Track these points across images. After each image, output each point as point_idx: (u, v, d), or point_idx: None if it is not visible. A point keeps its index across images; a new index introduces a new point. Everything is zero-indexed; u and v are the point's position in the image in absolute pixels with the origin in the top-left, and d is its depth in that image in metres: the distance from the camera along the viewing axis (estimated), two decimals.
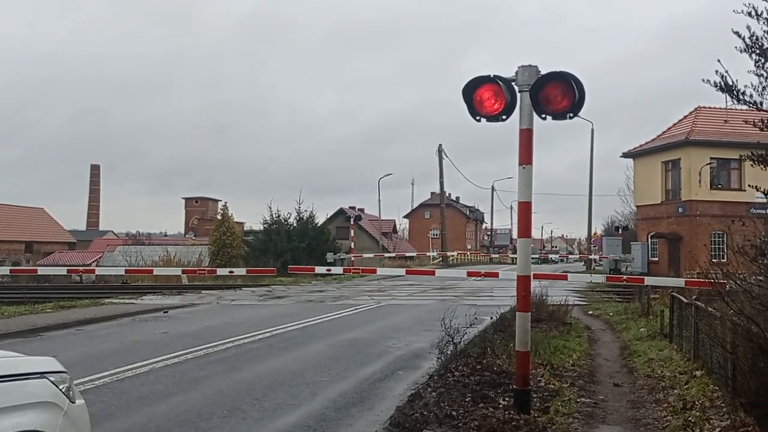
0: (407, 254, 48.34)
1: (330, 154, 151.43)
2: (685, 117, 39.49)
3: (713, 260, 35.79)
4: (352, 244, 38.39)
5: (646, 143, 40.17)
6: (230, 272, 20.14)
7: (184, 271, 18.54)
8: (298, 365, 8.76)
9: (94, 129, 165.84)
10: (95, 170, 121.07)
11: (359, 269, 20.56)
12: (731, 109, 38.48)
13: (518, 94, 6.05)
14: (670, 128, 39.80)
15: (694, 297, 8.78)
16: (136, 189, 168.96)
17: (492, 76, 5.97)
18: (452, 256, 51.90)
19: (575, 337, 11.85)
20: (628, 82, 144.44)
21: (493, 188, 68.10)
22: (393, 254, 46.27)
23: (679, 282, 15.18)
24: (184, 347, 9.99)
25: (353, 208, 64.01)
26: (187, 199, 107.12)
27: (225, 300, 19.03)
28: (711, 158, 35.60)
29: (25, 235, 67.97)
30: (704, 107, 39.40)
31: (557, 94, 5.82)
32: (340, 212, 54.48)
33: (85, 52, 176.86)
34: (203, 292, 22.37)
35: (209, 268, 22.56)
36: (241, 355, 9.45)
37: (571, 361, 9.24)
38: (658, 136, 39.99)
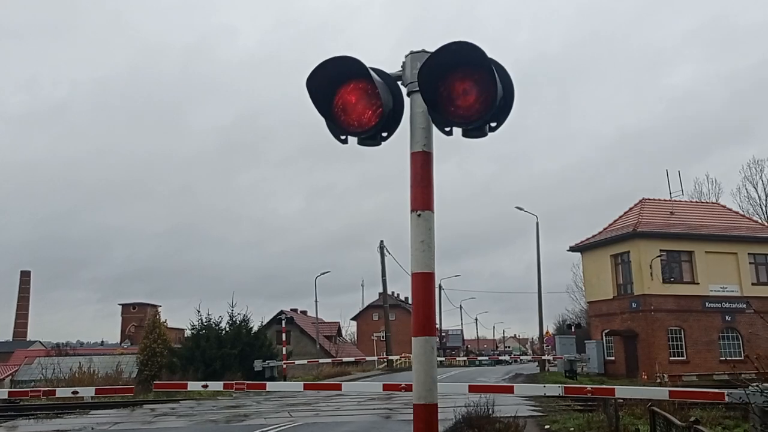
0: (346, 359, 44.77)
1: (292, 258, 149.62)
2: (630, 209, 38.56)
3: (672, 358, 33.75)
4: (284, 349, 35.00)
5: (593, 236, 38.86)
6: (74, 392, 16.80)
7: (10, 393, 15.16)
8: None
9: (58, 236, 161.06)
10: (25, 276, 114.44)
11: (244, 384, 17.38)
12: (675, 201, 37.94)
13: (406, 98, 3.69)
14: (617, 221, 38.71)
15: (692, 419, 6.21)
16: (88, 296, 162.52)
17: (365, 66, 3.58)
18: (397, 359, 48.53)
19: None
20: (580, 187, 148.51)
21: (440, 287, 65.72)
22: (329, 360, 42.66)
23: (661, 393, 12.62)
24: None
25: (295, 310, 60.50)
26: (124, 306, 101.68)
27: (105, 425, 15.54)
28: (660, 250, 34.27)
29: None
30: (649, 199, 38.67)
31: (467, 88, 3.46)
32: (279, 315, 50.99)
33: (61, 160, 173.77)
34: (94, 412, 18.77)
35: (46, 389, 19.11)
36: None
37: None
38: (605, 228, 38.79)
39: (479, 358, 67.83)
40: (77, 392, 16.74)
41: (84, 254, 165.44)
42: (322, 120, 3.79)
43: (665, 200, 38.04)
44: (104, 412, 18.91)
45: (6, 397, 21.30)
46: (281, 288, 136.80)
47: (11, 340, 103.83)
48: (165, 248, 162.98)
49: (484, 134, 3.58)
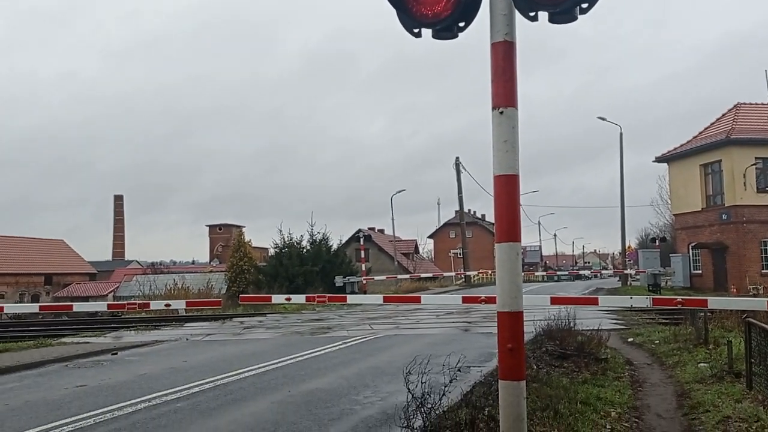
0: (424, 275, 45.26)
1: (371, 179, 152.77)
2: (723, 115, 36.05)
3: (764, 271, 32.24)
4: (363, 266, 35.64)
5: (682, 146, 36.80)
6: (167, 305, 17.67)
7: (109, 306, 16.11)
8: None
9: (153, 162, 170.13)
10: (119, 201, 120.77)
11: (325, 297, 17.71)
12: None
13: None
14: (708, 128, 36.38)
15: None
16: (181, 218, 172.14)
17: None
18: (474, 275, 48.64)
19: (613, 379, 8.88)
20: (675, 98, 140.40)
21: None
22: (407, 276, 43.24)
23: (759, 303, 11.98)
24: (79, 411, 7.39)
25: (372, 229, 61.35)
26: (211, 227, 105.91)
27: (198, 335, 16.40)
28: (756, 158, 32.14)
29: (44, 267, 66.54)
30: (745, 104, 35.98)
31: None
32: (358, 234, 51.85)
33: (157, 90, 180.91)
34: (188, 324, 19.86)
35: (140, 302, 20.15)
36: (142, 424, 6.75)
37: (608, 426, 6.32)
38: (695, 137, 36.60)
39: (558, 273, 67.19)
40: (170, 305, 17.69)
41: (177, 179, 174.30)
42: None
43: (763, 104, 35.36)
44: (197, 324, 19.95)
45: (106, 309, 22.78)
46: (360, 208, 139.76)
47: (111, 259, 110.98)
48: (252, 171, 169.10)
49: (574, 18, 3.19)
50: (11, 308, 29.56)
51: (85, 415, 7.20)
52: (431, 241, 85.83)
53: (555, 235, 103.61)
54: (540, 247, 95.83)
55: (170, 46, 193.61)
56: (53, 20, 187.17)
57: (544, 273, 63.77)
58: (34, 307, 27.72)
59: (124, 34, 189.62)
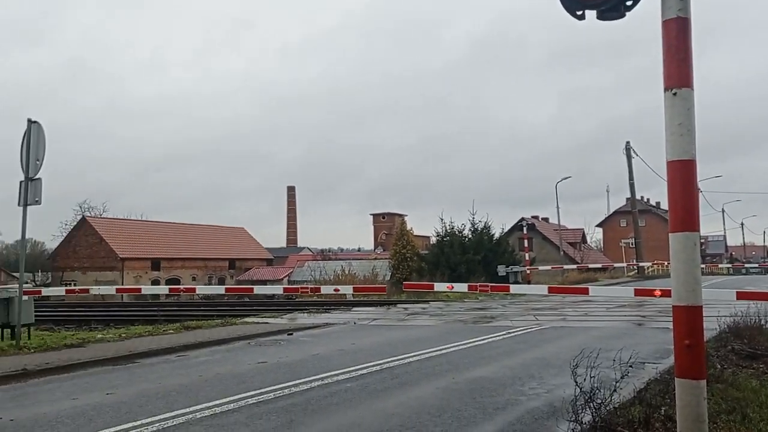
0: (592, 265, 43.35)
1: (537, 166, 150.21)
2: None
3: None
4: (527, 255, 34.92)
5: None
6: (335, 290, 18.40)
7: (284, 290, 17.24)
8: (377, 423, 6.30)
9: (324, 154, 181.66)
10: (291, 191, 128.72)
11: (488, 286, 17.40)
12: None
13: None
14: None
15: None
16: (348, 208, 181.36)
17: None
18: (648, 267, 45.71)
19: None
20: None
21: (698, 189, 59.81)
22: (574, 266, 41.66)
23: None
24: (261, 385, 8.07)
25: (536, 217, 59.90)
26: (375, 216, 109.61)
27: (365, 320, 17.11)
28: None
29: (228, 253, 72.75)
30: None
31: None
32: (521, 222, 50.89)
33: (330, 85, 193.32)
34: (355, 309, 20.80)
35: (312, 287, 21.09)
36: (316, 401, 7.22)
37: None
38: None
39: (746, 265, 61.19)
40: (338, 290, 18.69)
41: (346, 170, 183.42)
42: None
43: None
44: (364, 309, 20.84)
45: (281, 292, 24.49)
46: (524, 196, 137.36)
47: (285, 246, 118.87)
48: (415, 161, 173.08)
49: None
50: (202, 290, 32.71)
51: (266, 389, 7.84)
52: (600, 230, 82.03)
53: (742, 224, 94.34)
54: (724, 237, 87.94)
55: (343, 42, 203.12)
56: (240, 23, 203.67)
57: (730, 265, 58.39)
58: (220, 289, 30.52)
59: (300, 33, 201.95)
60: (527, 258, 35.05)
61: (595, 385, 5.33)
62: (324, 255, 77.07)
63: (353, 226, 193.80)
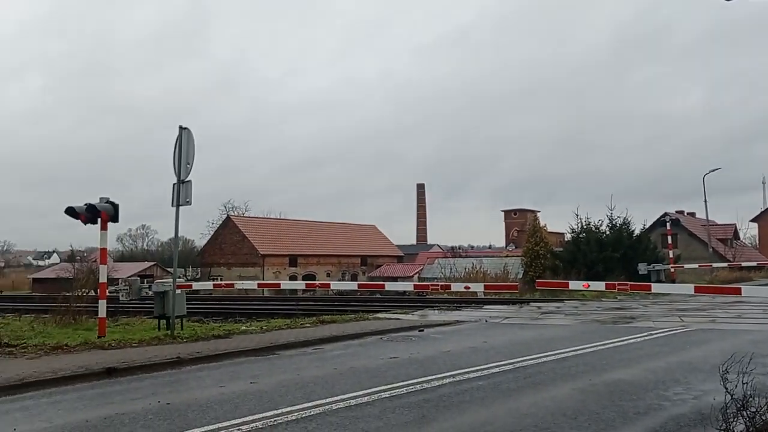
0: (746, 264, 39.90)
1: (683, 158, 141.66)
2: None
3: None
4: (670, 252, 32.83)
5: None
6: (466, 287, 18.09)
7: (415, 287, 17.21)
8: (510, 422, 6.21)
9: (456, 151, 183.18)
10: (421, 189, 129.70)
11: (627, 285, 16.22)
12: None
13: None
14: None
15: None
16: (480, 204, 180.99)
17: None
18: None
19: None
20: None
21: None
22: (725, 264, 38.55)
23: None
24: (393, 380, 8.21)
25: (681, 212, 56.16)
26: (506, 212, 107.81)
27: (497, 318, 16.88)
28: None
29: (360, 249, 74.76)
30: None
31: None
32: (663, 218, 47.97)
33: (461, 80, 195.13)
34: (486, 307, 20.60)
35: (443, 284, 20.83)
36: (448, 398, 7.24)
37: None
38: None
39: None
40: (469, 287, 18.58)
41: (478, 166, 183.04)
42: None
43: None
44: (495, 307, 20.58)
45: (412, 289, 24.75)
46: (667, 190, 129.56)
47: (415, 243, 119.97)
48: (551, 156, 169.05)
49: None
50: (336, 285, 33.78)
51: (398, 384, 7.96)
52: (754, 225, 75.33)
53: None
54: None
55: (478, 37, 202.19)
56: (376, 24, 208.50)
57: None
58: (353, 285, 31.40)
59: (435, 30, 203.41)
60: (671, 255, 32.98)
61: (749, 392, 4.93)
62: (454, 252, 77.02)
63: (484, 222, 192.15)
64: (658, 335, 12.78)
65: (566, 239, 48.36)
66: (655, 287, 18.14)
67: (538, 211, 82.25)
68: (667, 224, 35.57)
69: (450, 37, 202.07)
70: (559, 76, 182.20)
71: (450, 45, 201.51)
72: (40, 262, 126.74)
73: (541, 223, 51.93)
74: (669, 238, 33.61)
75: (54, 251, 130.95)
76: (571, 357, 10.08)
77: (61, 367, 9.16)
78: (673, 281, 29.79)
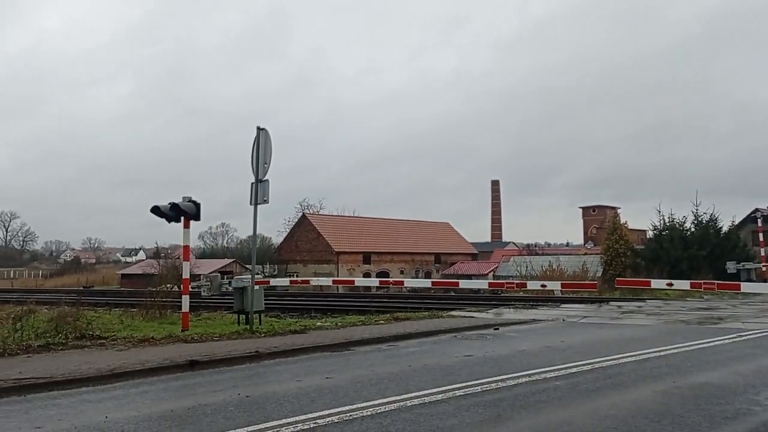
0: None
1: None
2: None
3: None
4: (762, 251, 31.13)
5: None
6: (542, 285, 17.57)
7: (490, 284, 16.79)
8: (588, 424, 6.06)
9: (533, 147, 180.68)
10: (495, 185, 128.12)
11: (714, 284, 15.31)
12: None
13: None
14: None
15: None
16: (557, 201, 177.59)
17: None
18: None
19: None
20: None
21: None
22: None
23: None
24: (468, 378, 8.17)
25: None
26: (584, 209, 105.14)
27: (574, 317, 16.49)
28: None
29: (434, 247, 74.64)
30: None
31: None
32: (754, 214, 45.51)
33: (539, 76, 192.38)
34: (564, 305, 20.16)
35: (518, 282, 20.35)
36: (524, 398, 7.14)
37: None
38: None
39: None
40: (545, 285, 18.24)
41: (555, 162, 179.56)
42: None
43: None
44: (572, 306, 20.12)
45: (486, 287, 24.55)
46: (760, 184, 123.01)
47: (490, 241, 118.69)
48: (633, 151, 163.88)
49: None
50: (410, 283, 33.85)
51: (473, 382, 7.91)
52: None
53: None
54: None
55: (556, 31, 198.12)
56: (453, 21, 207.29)
57: None
58: (427, 283, 31.40)
59: (513, 25, 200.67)
60: (762, 253, 31.25)
61: None
62: (530, 250, 75.83)
63: (562, 219, 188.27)
64: (748, 337, 12.17)
65: (648, 237, 46.69)
66: (745, 287, 17.35)
67: (618, 208, 79.96)
68: (759, 220, 33.67)
69: (528, 30, 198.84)
70: (642, 65, 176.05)
71: (528, 38, 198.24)
72: (128, 259, 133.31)
73: (622, 220, 50.35)
74: (760, 235, 31.79)
75: (140, 248, 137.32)
76: (654, 358, 9.74)
77: (147, 359, 9.60)
78: (765, 280, 28.20)
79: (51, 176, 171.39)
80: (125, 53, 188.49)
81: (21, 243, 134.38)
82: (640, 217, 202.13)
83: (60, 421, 6.36)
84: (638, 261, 40.65)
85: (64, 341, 11.27)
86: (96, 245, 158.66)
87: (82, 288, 57.46)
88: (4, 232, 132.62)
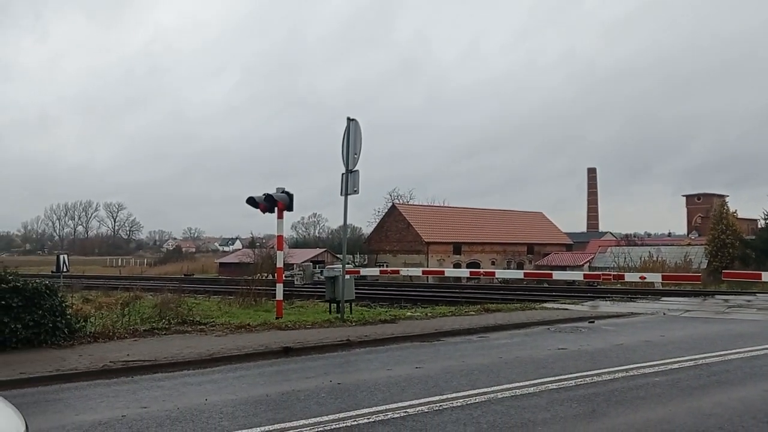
0: None
1: None
2: None
3: None
4: None
5: None
6: (641, 277, 16.70)
7: (585, 276, 16.08)
8: (690, 422, 5.82)
9: (639, 132, 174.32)
10: (591, 173, 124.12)
11: None
12: None
13: None
14: None
15: None
16: (661, 189, 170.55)
17: None
18: None
19: None
20: None
21: None
22: None
23: None
24: (561, 371, 8.03)
25: None
26: (687, 197, 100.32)
27: (676, 311, 15.78)
28: None
29: (526, 237, 73.31)
30: None
31: None
32: None
33: (651, 57, 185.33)
34: (664, 299, 19.35)
35: (615, 273, 19.48)
36: (620, 393, 6.93)
37: None
38: None
39: None
40: (644, 277, 17.55)
41: (663, 148, 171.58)
42: None
43: None
44: (674, 299, 19.29)
45: (581, 279, 23.88)
46: None
47: (585, 231, 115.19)
48: (750, 134, 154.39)
49: None
50: (501, 274, 33.49)
51: (566, 376, 7.76)
52: None
53: None
54: None
55: (670, 8, 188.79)
56: (559, 2, 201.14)
57: None
58: (519, 274, 30.96)
59: (623, 4, 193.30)
60: None
61: None
62: (629, 240, 73.04)
63: (665, 208, 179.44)
64: None
65: (760, 226, 43.93)
66: None
67: (727, 196, 75.50)
68: None
69: (641, 12, 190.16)
70: (764, 43, 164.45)
71: (640, 20, 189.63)
72: (225, 248, 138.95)
73: (731, 209, 47.61)
74: None
75: (237, 238, 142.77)
76: (763, 355, 9.20)
77: (244, 344, 10.02)
78: None
79: (157, 169, 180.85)
80: (232, 46, 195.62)
81: (128, 233, 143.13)
82: (751, 206, 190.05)
83: (164, 402, 6.76)
84: (748, 252, 38.38)
85: (167, 326, 11.92)
86: (195, 235, 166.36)
87: (183, 276, 60.43)
88: (113, 222, 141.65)
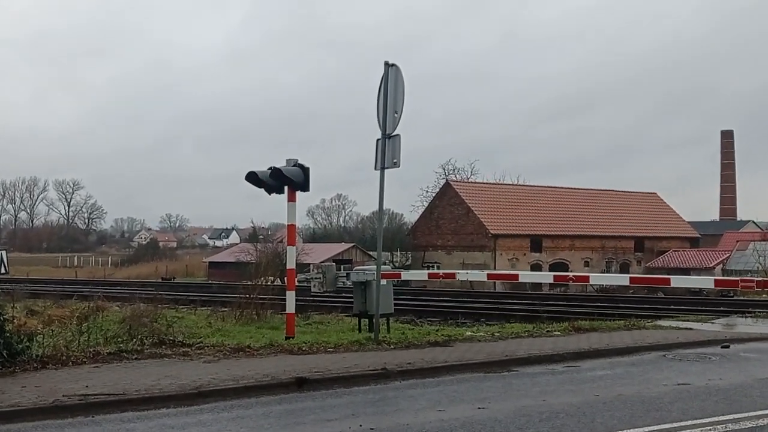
0: None
1: None
2: None
3: None
4: None
5: None
6: None
7: (717, 282, 15.41)
8: None
9: None
10: (727, 139, 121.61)
11: None
12: None
13: None
14: None
15: None
16: None
17: None
18: None
19: None
20: None
21: None
22: None
23: None
24: (681, 416, 7.95)
25: None
26: None
27: None
28: None
29: (634, 229, 72.26)
30: None
31: None
32: None
33: None
34: None
35: (760, 279, 18.97)
36: None
37: None
38: None
39: None
40: None
41: None
42: None
43: None
44: None
45: (712, 286, 23.52)
46: None
47: (718, 219, 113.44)
48: None
49: None
50: (598, 279, 33.15)
51: (689, 422, 7.68)
52: None
53: None
54: None
55: None
56: None
57: None
58: (623, 279, 30.55)
59: None
60: None
61: None
62: None
63: None
64: None
65: None
66: None
67: None
68: None
69: None
70: None
71: None
72: (217, 242, 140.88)
73: None
74: None
75: (233, 228, 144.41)
76: None
77: (243, 374, 10.14)
78: None
79: (129, 136, 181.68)
80: None
81: (86, 221, 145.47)
82: None
83: None
84: None
85: (139, 348, 12.14)
86: (177, 224, 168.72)
87: (160, 280, 61.53)
88: (66, 207, 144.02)
